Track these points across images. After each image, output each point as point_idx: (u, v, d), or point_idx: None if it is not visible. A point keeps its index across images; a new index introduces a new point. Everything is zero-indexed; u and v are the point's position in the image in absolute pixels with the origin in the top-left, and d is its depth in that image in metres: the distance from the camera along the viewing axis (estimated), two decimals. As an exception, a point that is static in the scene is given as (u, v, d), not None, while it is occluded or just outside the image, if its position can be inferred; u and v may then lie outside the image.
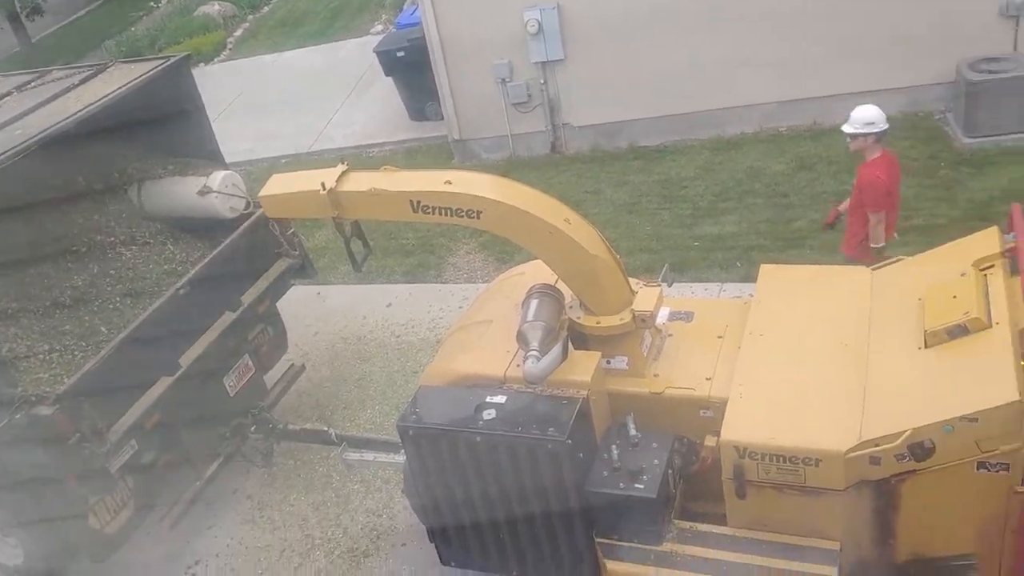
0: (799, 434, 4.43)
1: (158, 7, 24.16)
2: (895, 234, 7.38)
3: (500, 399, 5.05)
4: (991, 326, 4.47)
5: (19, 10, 22.44)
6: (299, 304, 8.95)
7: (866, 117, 6.91)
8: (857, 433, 4.34)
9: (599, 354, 5.17)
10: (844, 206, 7.48)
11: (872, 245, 7.12)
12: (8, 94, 7.77)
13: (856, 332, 4.91)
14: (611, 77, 11.45)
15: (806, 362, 4.86)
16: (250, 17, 21.42)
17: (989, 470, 4.19)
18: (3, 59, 22.02)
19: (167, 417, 6.56)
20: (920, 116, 10.70)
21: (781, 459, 4.42)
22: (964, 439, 4.15)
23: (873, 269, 5.41)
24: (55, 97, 7.25)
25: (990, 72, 9.83)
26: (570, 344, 5.16)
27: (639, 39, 11.12)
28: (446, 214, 4.98)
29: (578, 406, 4.87)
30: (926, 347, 4.59)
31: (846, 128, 7.02)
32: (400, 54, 13.23)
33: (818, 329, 5.04)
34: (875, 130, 6.92)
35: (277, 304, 7.93)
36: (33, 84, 7.89)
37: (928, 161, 9.95)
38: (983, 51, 10.04)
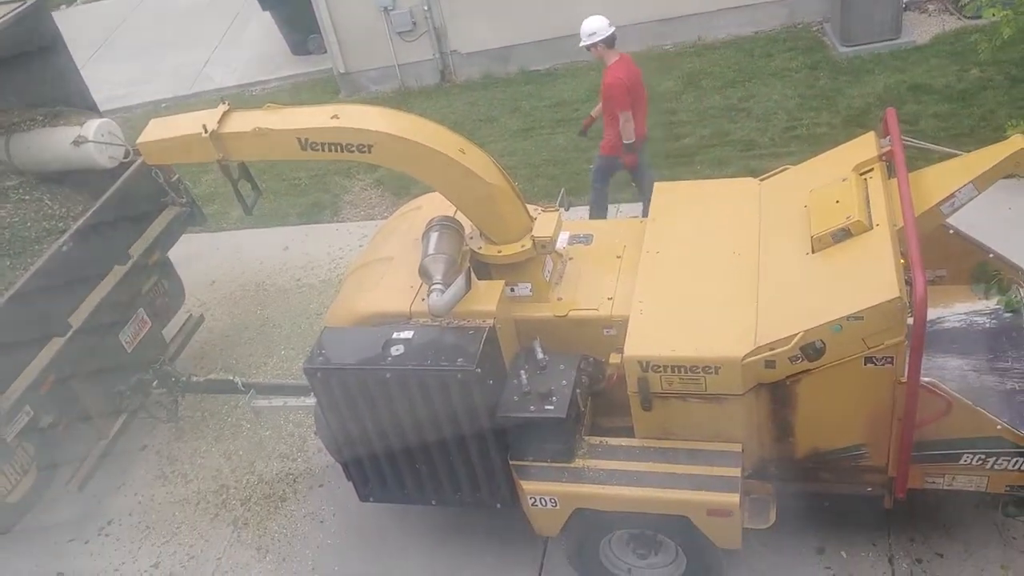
0: (698, 344, 4.59)
1: (8, -54, 22.49)
2: (646, 131, 7.79)
3: (407, 334, 5.05)
4: (872, 228, 4.68)
5: None
6: (193, 253, 8.67)
7: (587, 28, 7.40)
8: (752, 339, 4.52)
9: (502, 282, 5.21)
10: (597, 111, 7.91)
11: (624, 141, 7.54)
12: None
13: (747, 242, 5.08)
14: (496, 0, 11.27)
15: (701, 275, 5.01)
16: (111, -46, 20.14)
17: (876, 364, 4.43)
18: None
19: (62, 379, 6.33)
20: (800, 28, 10.93)
21: (682, 369, 4.58)
22: (852, 337, 4.37)
23: (761, 180, 5.57)
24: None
25: (862, -19, 10.09)
26: (473, 274, 5.17)
27: (522, -39, 10.98)
28: (336, 150, 4.87)
29: (485, 335, 4.91)
30: (813, 252, 4.78)
31: (581, 44, 7.45)
32: (276, -14, 12.76)
33: (711, 242, 5.19)
34: (598, 39, 7.38)
35: (170, 255, 7.68)
36: None
37: (808, 72, 10.21)
38: (856, -40, 10.27)
